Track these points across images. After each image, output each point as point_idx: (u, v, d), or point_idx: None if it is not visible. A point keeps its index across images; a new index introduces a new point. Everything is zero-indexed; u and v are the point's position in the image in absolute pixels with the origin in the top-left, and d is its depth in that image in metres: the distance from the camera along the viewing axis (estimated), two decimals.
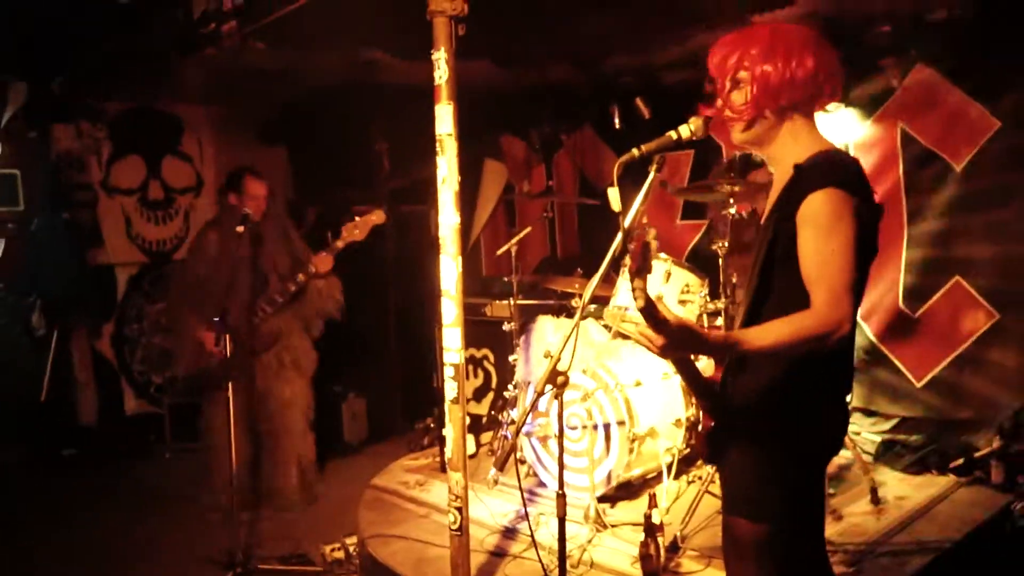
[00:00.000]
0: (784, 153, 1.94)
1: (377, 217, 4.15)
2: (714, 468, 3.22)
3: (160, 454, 5.64)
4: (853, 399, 4.61)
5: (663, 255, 3.83)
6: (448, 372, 2.68)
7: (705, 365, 2.13)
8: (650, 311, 1.64)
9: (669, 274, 3.76)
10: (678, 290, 3.76)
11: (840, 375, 1.98)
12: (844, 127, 4.34)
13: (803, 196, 1.79)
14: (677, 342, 1.68)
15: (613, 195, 1.99)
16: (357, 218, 4.14)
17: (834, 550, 3.02)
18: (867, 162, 4.29)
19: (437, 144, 2.63)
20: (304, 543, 3.89)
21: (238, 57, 4.29)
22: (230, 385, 3.60)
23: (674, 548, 3.09)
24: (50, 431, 5.57)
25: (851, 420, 4.46)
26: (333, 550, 3.69)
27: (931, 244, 4.15)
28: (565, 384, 2.36)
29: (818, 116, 1.97)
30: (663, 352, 1.72)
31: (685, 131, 2.15)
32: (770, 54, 1.87)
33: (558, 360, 2.32)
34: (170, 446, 5.66)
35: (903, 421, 4.30)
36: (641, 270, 1.61)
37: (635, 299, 1.62)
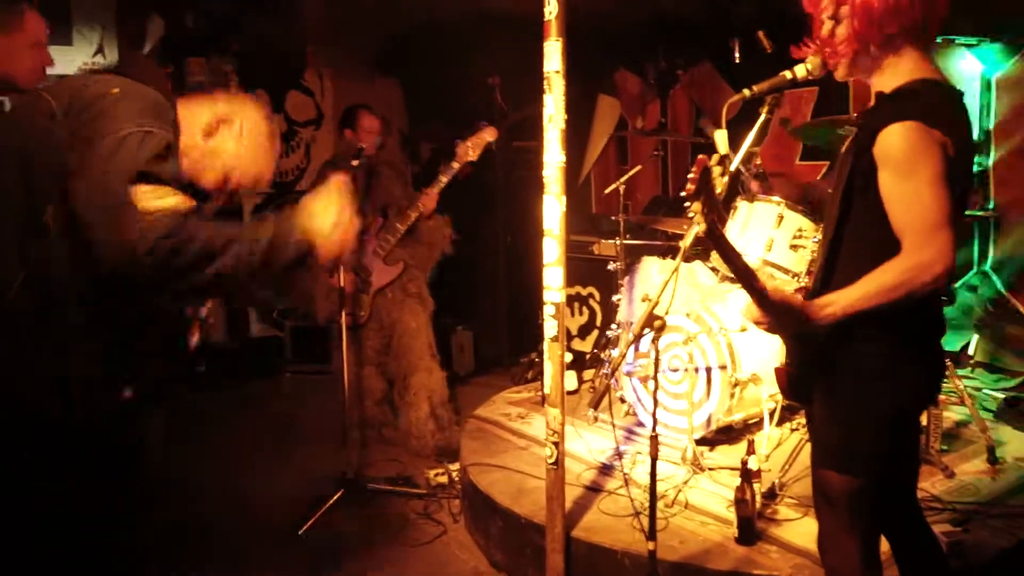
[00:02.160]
0: (884, 86, 1.81)
1: (490, 135, 4.06)
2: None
3: (281, 374, 6.01)
4: (976, 353, 4.39)
5: (775, 198, 3.68)
6: (548, 311, 2.71)
7: None
8: (713, 235, 1.63)
9: (781, 217, 3.60)
10: (790, 235, 3.61)
11: (931, 322, 1.88)
12: (985, 63, 4.01)
13: (878, 129, 1.69)
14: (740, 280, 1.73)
15: (720, 137, 1.94)
16: (470, 138, 4.07)
17: (943, 508, 2.92)
18: (1009, 102, 3.96)
19: (544, 82, 2.61)
20: (409, 467, 4.08)
21: None
22: (343, 314, 3.76)
23: (771, 495, 3.06)
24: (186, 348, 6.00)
25: (972, 375, 4.28)
26: (437, 475, 3.86)
27: None
28: (662, 328, 2.36)
29: (932, 46, 1.84)
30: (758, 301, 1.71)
31: (801, 70, 2.06)
32: None
33: (656, 304, 2.32)
34: (291, 368, 6.00)
35: None
36: (699, 193, 1.58)
37: (696, 223, 1.62)
